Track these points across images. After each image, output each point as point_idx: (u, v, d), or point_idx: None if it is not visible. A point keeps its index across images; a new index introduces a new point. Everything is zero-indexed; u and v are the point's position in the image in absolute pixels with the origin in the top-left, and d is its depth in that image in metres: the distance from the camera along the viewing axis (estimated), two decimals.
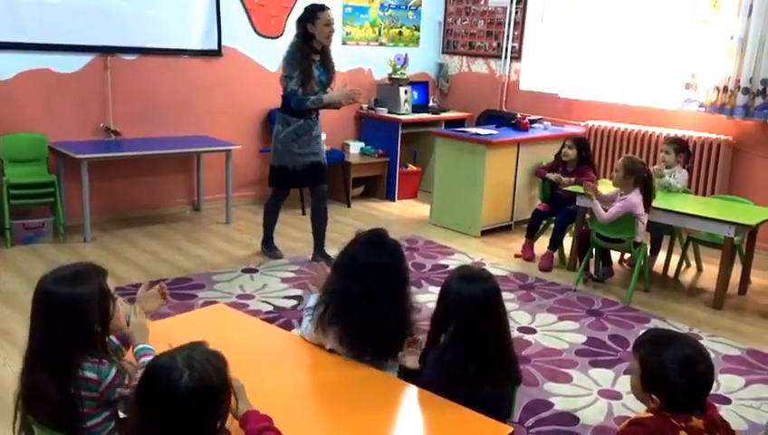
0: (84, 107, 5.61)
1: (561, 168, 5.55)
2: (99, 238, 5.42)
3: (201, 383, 1.56)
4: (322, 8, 4.74)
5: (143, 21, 5.78)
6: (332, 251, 4.38)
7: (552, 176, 5.57)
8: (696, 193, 5.73)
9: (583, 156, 5.48)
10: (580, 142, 5.57)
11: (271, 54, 6.57)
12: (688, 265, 5.41)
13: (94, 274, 1.98)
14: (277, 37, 6.60)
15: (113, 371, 1.91)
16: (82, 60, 5.55)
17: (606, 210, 4.69)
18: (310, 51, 4.74)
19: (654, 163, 5.53)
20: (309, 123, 4.87)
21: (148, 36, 5.82)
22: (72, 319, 1.89)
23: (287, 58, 4.77)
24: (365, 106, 7.26)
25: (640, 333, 4.20)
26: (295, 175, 4.93)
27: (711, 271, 5.08)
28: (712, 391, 3.53)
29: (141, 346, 2.08)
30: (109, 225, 5.72)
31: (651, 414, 1.82)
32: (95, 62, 5.61)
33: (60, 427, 1.85)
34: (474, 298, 2.22)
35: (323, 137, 5.16)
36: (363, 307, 2.32)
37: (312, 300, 2.62)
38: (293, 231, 5.69)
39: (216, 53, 6.23)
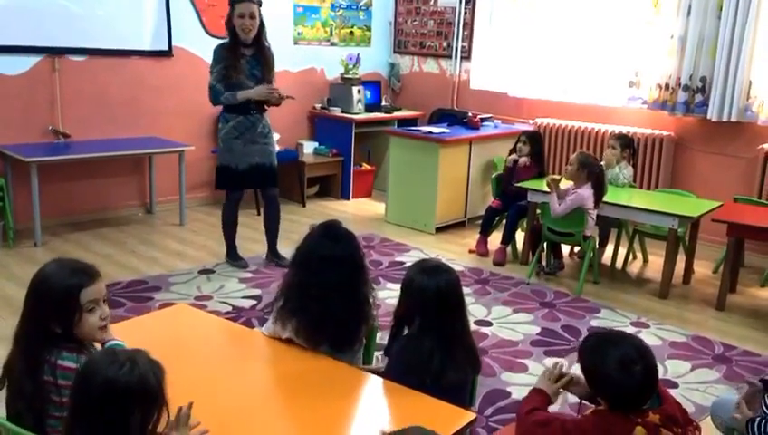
0: (32, 109, 5.50)
1: (515, 165, 5.67)
2: (50, 242, 5.32)
3: (141, 381, 1.55)
4: None
5: (92, 21, 5.70)
6: (290, 250, 4.41)
7: (509, 161, 5.73)
8: (641, 187, 5.94)
9: (534, 150, 5.61)
10: (533, 137, 5.71)
11: None
12: (635, 257, 5.60)
13: (75, 274, 1.94)
14: None
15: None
16: (29, 61, 5.44)
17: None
18: (236, 44, 4.58)
19: (601, 159, 5.70)
20: (250, 119, 4.70)
21: (97, 37, 5.74)
22: (31, 305, 1.91)
23: (213, 52, 4.66)
24: (318, 105, 7.28)
25: (591, 322, 4.36)
26: (239, 175, 4.74)
27: (657, 262, 5.27)
28: (660, 376, 3.69)
29: (113, 342, 2.04)
30: (60, 228, 5.62)
31: (608, 410, 1.90)
32: (42, 64, 5.51)
33: (29, 418, 1.84)
34: (438, 290, 2.28)
35: (276, 137, 5.08)
36: (320, 298, 2.36)
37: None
38: (249, 231, 5.66)
39: (167, 53, 6.18)
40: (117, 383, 1.53)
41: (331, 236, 2.49)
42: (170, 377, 1.68)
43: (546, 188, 4.92)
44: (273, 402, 2.21)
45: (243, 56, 4.63)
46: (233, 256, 5.07)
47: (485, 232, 5.66)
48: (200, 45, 6.40)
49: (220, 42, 4.73)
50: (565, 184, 4.95)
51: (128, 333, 2.55)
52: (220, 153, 4.81)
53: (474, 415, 2.06)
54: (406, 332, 2.37)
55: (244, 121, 4.70)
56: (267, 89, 4.64)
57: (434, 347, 2.23)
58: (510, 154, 5.77)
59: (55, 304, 1.89)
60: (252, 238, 5.52)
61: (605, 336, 2.04)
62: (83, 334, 1.94)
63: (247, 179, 4.82)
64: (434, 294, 2.27)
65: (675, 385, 3.60)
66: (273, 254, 5.07)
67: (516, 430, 2.02)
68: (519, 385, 3.52)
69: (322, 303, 2.36)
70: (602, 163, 5.28)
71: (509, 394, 3.43)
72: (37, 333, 1.88)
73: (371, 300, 2.48)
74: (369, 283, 2.51)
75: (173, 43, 6.19)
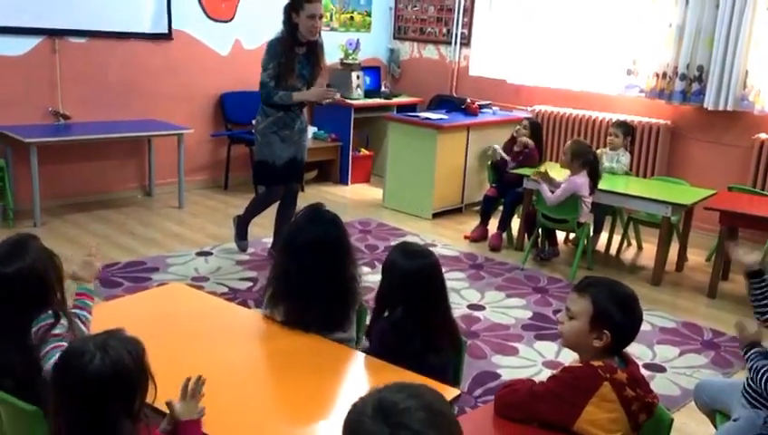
0: (32, 90, 5.54)
1: (509, 146, 5.72)
2: (49, 223, 5.38)
3: (113, 368, 1.57)
4: None
5: (92, 3, 5.72)
6: None
7: (496, 153, 5.81)
8: (637, 175, 5.96)
9: (534, 138, 5.62)
10: (533, 125, 5.74)
11: (222, 38, 6.57)
12: (629, 244, 5.64)
13: (29, 238, 2.05)
14: (228, 21, 6.60)
15: (65, 322, 2.01)
16: (30, 43, 5.47)
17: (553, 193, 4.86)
18: (293, 43, 4.43)
19: (598, 147, 5.75)
20: (290, 116, 4.60)
21: (98, 19, 5.76)
22: (32, 287, 1.96)
23: (267, 47, 4.48)
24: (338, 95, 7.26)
25: None
26: (276, 171, 4.66)
27: (650, 249, 5.31)
28: (648, 360, 3.76)
29: (81, 286, 2.19)
30: (59, 210, 5.67)
31: (581, 365, 1.96)
32: (43, 45, 5.54)
33: (28, 391, 1.89)
34: (421, 273, 2.32)
35: (310, 133, 4.89)
36: (302, 283, 2.39)
37: None
38: None
39: (167, 36, 6.20)
40: (88, 376, 1.56)
41: (312, 221, 2.53)
42: (161, 353, 1.74)
43: (533, 178, 4.98)
44: (262, 378, 2.26)
45: (296, 55, 4.49)
46: (240, 233, 5.01)
47: (486, 222, 5.69)
48: (200, 29, 6.43)
49: (275, 37, 4.49)
50: (561, 175, 4.98)
51: (122, 311, 2.62)
52: (258, 148, 4.71)
53: (457, 392, 2.12)
54: (387, 314, 2.40)
55: (284, 118, 4.60)
56: (324, 92, 4.60)
57: (415, 330, 2.26)
58: (511, 137, 5.76)
59: (49, 266, 2.03)
60: (254, 222, 5.54)
61: (602, 278, 2.12)
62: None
63: (284, 175, 4.75)
64: (416, 277, 2.30)
65: (662, 369, 3.65)
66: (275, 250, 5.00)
67: (494, 405, 2.08)
68: (509, 367, 3.58)
69: (304, 288, 2.39)
70: (606, 149, 5.40)
71: (499, 376, 3.48)
72: (29, 312, 1.97)
73: (358, 280, 2.51)
74: (356, 263, 2.54)
75: (173, 27, 6.21)
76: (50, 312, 1.98)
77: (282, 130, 4.62)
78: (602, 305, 1.97)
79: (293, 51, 4.48)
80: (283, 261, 2.50)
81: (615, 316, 1.95)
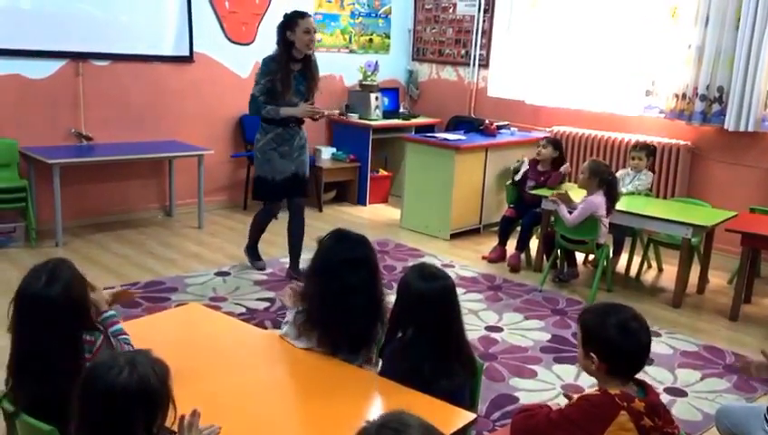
0: (56, 112, 5.63)
1: (533, 166, 5.68)
2: (70, 243, 5.44)
3: (139, 383, 1.60)
4: (302, 15, 4.60)
5: (115, 27, 5.83)
6: (307, 255, 4.48)
7: (522, 166, 5.77)
8: (658, 196, 5.92)
9: (556, 157, 5.61)
10: (555, 143, 5.72)
11: (242, 61, 6.65)
12: (649, 266, 5.59)
13: (64, 264, 2.09)
14: (249, 44, 6.68)
15: (101, 336, 2.10)
16: (54, 66, 5.58)
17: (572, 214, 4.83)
18: (289, 59, 4.58)
19: (617, 169, 5.73)
20: (289, 132, 4.70)
21: (120, 42, 5.86)
22: (73, 309, 2.02)
23: (262, 64, 4.64)
24: (336, 112, 7.34)
25: None
26: (276, 187, 4.75)
27: (671, 271, 5.25)
28: (669, 384, 3.71)
29: (107, 314, 2.23)
30: (80, 229, 5.74)
31: (599, 393, 1.94)
32: (66, 68, 5.64)
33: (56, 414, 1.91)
34: (436, 296, 2.30)
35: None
36: (340, 303, 2.38)
37: (289, 316, 2.67)
38: (267, 235, 5.70)
39: (188, 59, 6.29)
40: (116, 388, 1.59)
41: (345, 241, 2.53)
42: (178, 374, 1.75)
43: (551, 199, 4.96)
44: (276, 400, 2.26)
45: (291, 72, 4.61)
46: (253, 255, 5.08)
47: (504, 243, 5.67)
48: (221, 52, 6.52)
49: (270, 55, 4.65)
50: (578, 195, 4.96)
51: (141, 331, 2.63)
52: (258, 164, 4.80)
53: (473, 416, 2.10)
54: (400, 334, 2.38)
55: (282, 134, 4.69)
56: (310, 109, 4.69)
57: (427, 354, 2.24)
58: (532, 159, 5.74)
59: (83, 288, 2.11)
60: (270, 242, 5.56)
61: (607, 304, 2.10)
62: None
63: (283, 191, 4.82)
64: (433, 299, 2.29)
65: (684, 394, 3.60)
66: (293, 270, 4.97)
67: (510, 429, 2.06)
68: (527, 391, 3.54)
69: (343, 307, 2.38)
70: (629, 169, 5.40)
71: (517, 399, 3.45)
72: (76, 332, 2.04)
73: (384, 299, 2.51)
74: (382, 282, 2.55)
75: (194, 49, 6.30)
76: (95, 331, 2.07)
77: (281, 147, 4.70)
78: (586, 327, 1.99)
79: (289, 67, 4.60)
80: (319, 283, 2.47)
81: (600, 336, 1.94)
